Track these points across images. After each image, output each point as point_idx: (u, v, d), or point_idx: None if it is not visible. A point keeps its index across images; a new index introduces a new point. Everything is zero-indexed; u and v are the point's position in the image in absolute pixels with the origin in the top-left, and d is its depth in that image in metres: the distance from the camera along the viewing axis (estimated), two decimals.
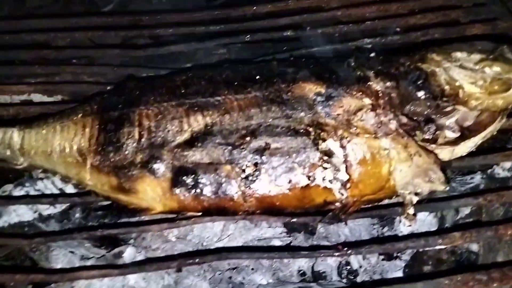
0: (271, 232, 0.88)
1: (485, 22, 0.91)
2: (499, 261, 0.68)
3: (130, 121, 0.66)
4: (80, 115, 0.70)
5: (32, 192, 0.90)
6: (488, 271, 0.53)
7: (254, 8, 1.07)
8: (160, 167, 0.62)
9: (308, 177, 0.59)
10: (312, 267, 0.87)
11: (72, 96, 1.03)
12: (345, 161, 0.59)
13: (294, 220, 0.64)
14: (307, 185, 0.59)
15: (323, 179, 0.59)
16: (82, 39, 1.08)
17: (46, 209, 0.93)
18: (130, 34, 1.05)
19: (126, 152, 0.64)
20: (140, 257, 0.85)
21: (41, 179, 0.95)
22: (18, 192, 0.93)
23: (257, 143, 0.60)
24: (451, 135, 0.68)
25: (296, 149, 0.59)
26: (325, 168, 0.59)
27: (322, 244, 0.84)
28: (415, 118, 0.64)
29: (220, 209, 0.62)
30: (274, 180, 0.60)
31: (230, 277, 0.87)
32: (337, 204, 0.61)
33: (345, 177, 0.59)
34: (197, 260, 0.62)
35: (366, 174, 0.59)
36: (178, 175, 0.62)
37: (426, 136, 0.66)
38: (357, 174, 0.59)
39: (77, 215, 0.96)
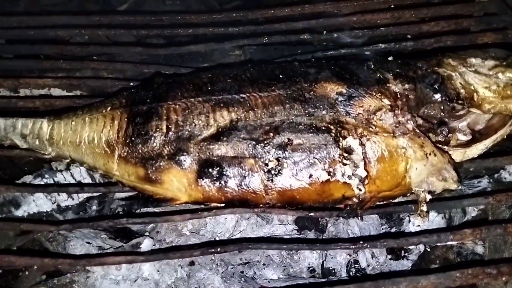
0: (282, 229, 0.91)
1: (496, 31, 0.94)
2: (507, 257, 0.71)
3: (158, 115, 0.69)
4: (109, 108, 0.73)
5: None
6: (497, 265, 0.56)
7: (272, 11, 1.10)
8: (186, 159, 0.66)
9: (328, 173, 0.62)
10: (322, 264, 0.89)
11: (91, 92, 1.07)
12: (364, 158, 0.62)
13: (311, 214, 0.67)
14: (327, 180, 0.62)
15: (343, 175, 0.62)
16: (100, 36, 1.11)
17: (64, 201, 0.96)
18: (150, 33, 1.08)
19: (154, 144, 0.67)
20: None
21: (60, 171, 0.99)
22: (38, 183, 0.96)
23: (280, 138, 0.64)
24: (462, 137, 0.71)
25: (317, 146, 0.63)
26: (345, 164, 0.62)
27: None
28: (429, 120, 0.67)
29: (243, 201, 0.65)
30: (296, 175, 0.63)
31: (242, 272, 0.89)
32: (355, 199, 0.64)
33: (363, 173, 0.62)
34: (218, 249, 0.64)
35: (384, 171, 0.62)
36: (204, 167, 0.65)
37: (439, 138, 0.69)
38: (375, 171, 0.62)
39: (94, 207, 0.99)
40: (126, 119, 0.70)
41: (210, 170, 0.64)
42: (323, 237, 0.87)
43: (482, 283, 0.70)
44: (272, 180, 0.63)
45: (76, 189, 0.77)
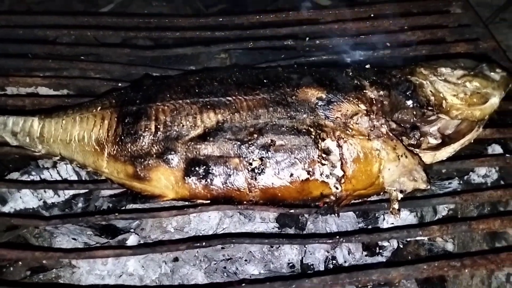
0: (264, 226, 0.94)
1: (468, 41, 1.00)
2: (471, 251, 0.77)
3: (147, 115, 0.72)
4: (99, 108, 0.76)
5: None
6: (461, 259, 0.61)
7: (257, 17, 1.14)
8: (174, 158, 0.69)
9: (308, 172, 0.66)
10: (301, 260, 0.93)
11: (79, 91, 1.09)
12: (341, 159, 0.66)
13: (292, 211, 0.71)
14: (307, 179, 0.67)
15: (321, 174, 0.66)
16: (89, 37, 1.14)
17: (51, 198, 0.98)
18: (138, 35, 1.11)
19: (143, 143, 0.71)
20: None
21: (47, 168, 1.01)
22: (25, 180, 0.98)
23: (263, 140, 0.68)
24: (433, 141, 0.77)
25: (298, 147, 0.67)
26: (323, 165, 0.66)
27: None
28: (402, 125, 0.72)
29: (227, 198, 0.69)
30: (277, 174, 0.67)
31: (225, 267, 0.92)
32: (332, 197, 0.68)
33: (340, 173, 0.66)
34: (203, 243, 0.68)
35: (359, 171, 0.67)
36: (191, 166, 0.68)
37: (412, 141, 0.74)
38: (351, 170, 0.66)
39: (80, 204, 1.01)
40: (116, 119, 0.73)
41: (197, 168, 0.68)
42: (303, 233, 0.91)
43: (448, 275, 0.75)
44: (255, 178, 0.67)
45: (65, 186, 0.80)
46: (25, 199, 0.97)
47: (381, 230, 0.75)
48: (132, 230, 0.94)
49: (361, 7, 1.15)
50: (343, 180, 0.66)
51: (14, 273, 0.91)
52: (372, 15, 1.13)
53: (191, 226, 0.94)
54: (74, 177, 1.00)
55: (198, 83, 0.75)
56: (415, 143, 0.74)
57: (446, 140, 0.76)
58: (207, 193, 0.69)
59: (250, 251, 0.93)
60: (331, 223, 0.94)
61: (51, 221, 0.73)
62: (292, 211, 0.72)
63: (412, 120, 0.76)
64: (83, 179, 1.00)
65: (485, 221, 0.66)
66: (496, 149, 0.94)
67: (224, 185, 0.68)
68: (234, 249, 0.92)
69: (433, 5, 1.14)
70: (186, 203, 0.74)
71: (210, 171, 0.68)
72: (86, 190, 0.95)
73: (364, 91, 0.70)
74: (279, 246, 0.92)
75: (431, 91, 0.70)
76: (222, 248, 0.92)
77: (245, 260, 0.92)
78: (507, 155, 0.78)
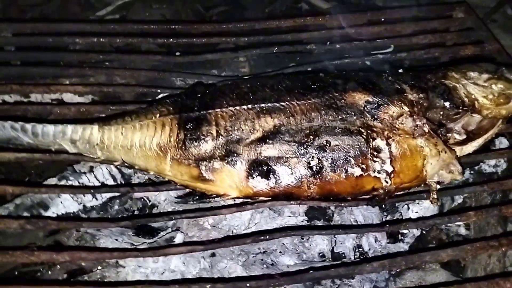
0: (294, 220, 1.01)
1: (474, 44, 1.10)
2: (487, 235, 0.86)
3: (208, 121, 0.78)
4: (158, 115, 0.81)
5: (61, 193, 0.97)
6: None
7: (276, 22, 1.21)
8: (237, 160, 0.75)
9: (362, 169, 0.74)
10: (332, 249, 1.00)
11: (103, 98, 1.13)
12: (390, 156, 0.74)
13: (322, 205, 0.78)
14: (361, 175, 0.75)
15: (373, 170, 0.74)
16: (118, 44, 1.18)
17: (89, 201, 1.02)
18: (166, 41, 1.16)
19: (206, 147, 0.77)
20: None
21: (84, 173, 1.05)
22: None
23: (319, 141, 0.75)
24: (458, 137, 0.86)
25: (351, 146, 0.75)
26: (375, 162, 0.74)
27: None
28: (436, 123, 0.81)
29: (287, 195, 0.76)
30: (334, 171, 0.74)
31: (262, 259, 0.98)
32: (381, 190, 0.76)
33: (390, 168, 0.74)
34: (267, 236, 0.75)
35: (406, 166, 0.75)
36: (253, 167, 0.75)
37: (440, 137, 0.83)
38: (399, 166, 0.75)
39: (116, 207, 1.06)
40: (177, 125, 0.79)
41: (259, 168, 0.75)
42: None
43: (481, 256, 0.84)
44: (314, 176, 0.75)
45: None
46: (65, 204, 1.00)
47: (422, 219, 0.83)
48: (169, 229, 1.00)
49: (373, 12, 1.23)
50: (392, 175, 0.75)
51: (52, 276, 0.95)
52: (383, 19, 1.22)
53: (224, 222, 1.00)
54: (111, 181, 1.05)
55: (251, 90, 0.81)
56: (443, 139, 0.83)
57: (470, 136, 0.85)
58: (269, 191, 0.75)
59: (283, 244, 0.99)
60: (357, 214, 1.02)
61: (122, 223, 0.78)
62: (322, 205, 0.79)
63: (438, 118, 0.84)
64: (119, 182, 1.05)
65: None
66: (503, 141, 1.05)
67: (285, 183, 0.75)
68: (269, 242, 0.98)
69: (437, 10, 1.24)
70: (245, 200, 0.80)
71: (272, 170, 0.75)
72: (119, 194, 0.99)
73: (405, 94, 0.79)
74: (309, 238, 0.99)
75: (464, 93, 0.79)
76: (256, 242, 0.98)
77: (280, 252, 0.98)
78: None
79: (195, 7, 1.80)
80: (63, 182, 1.02)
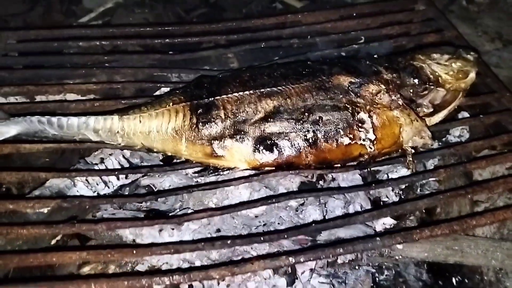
0: (287, 195, 1.14)
1: (436, 32, 1.27)
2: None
3: (216, 106, 0.91)
4: (171, 104, 0.93)
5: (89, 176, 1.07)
6: (465, 189, 0.86)
7: (261, 20, 1.34)
8: (244, 137, 0.88)
9: (349, 138, 0.89)
10: (324, 218, 1.13)
11: (104, 95, 1.23)
12: (372, 126, 0.89)
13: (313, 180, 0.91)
14: (349, 143, 0.89)
15: (359, 139, 0.89)
16: (118, 46, 1.28)
17: (102, 189, 1.12)
18: (163, 42, 1.27)
19: (217, 128, 0.89)
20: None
21: (96, 164, 1.15)
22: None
23: (313, 117, 0.89)
24: (426, 110, 1.01)
25: (340, 120, 0.89)
26: (360, 131, 0.89)
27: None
28: (408, 99, 0.96)
29: (289, 164, 0.89)
30: (327, 141, 0.89)
31: (263, 231, 1.10)
32: (366, 156, 0.91)
33: (373, 136, 0.89)
34: (274, 200, 0.88)
35: (386, 134, 0.90)
36: (259, 142, 0.88)
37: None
38: (380, 134, 0.90)
39: (126, 193, 1.16)
40: (189, 111, 0.91)
41: (264, 143, 0.88)
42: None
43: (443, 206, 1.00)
44: (310, 146, 0.88)
45: (147, 170, 0.95)
46: (82, 192, 1.09)
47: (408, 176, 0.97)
48: (177, 210, 1.11)
49: (345, 8, 1.39)
50: (375, 142, 0.89)
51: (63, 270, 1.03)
52: (355, 14, 1.37)
53: (226, 202, 1.12)
54: None
55: (251, 78, 0.94)
56: (415, 112, 0.98)
57: (436, 108, 1.01)
58: (274, 162, 0.89)
59: (280, 216, 1.12)
60: (343, 185, 1.16)
61: (146, 197, 0.89)
62: (318, 172, 0.92)
63: (409, 96, 1.00)
64: None
65: (475, 163, 0.92)
66: (465, 114, 1.21)
67: (286, 154, 0.88)
68: (267, 216, 1.10)
69: (402, 4, 1.41)
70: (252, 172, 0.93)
71: (275, 144, 0.88)
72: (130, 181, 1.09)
73: (381, 74, 0.94)
74: (303, 210, 1.13)
75: (429, 71, 0.95)
76: (256, 216, 1.11)
77: (278, 224, 1.10)
78: (480, 116, 1.04)
79: (175, 10, 1.89)
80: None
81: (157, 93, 1.18)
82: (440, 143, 1.22)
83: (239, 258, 0.96)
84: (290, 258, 0.76)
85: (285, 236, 0.82)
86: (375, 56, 1.01)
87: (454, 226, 0.79)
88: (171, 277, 0.72)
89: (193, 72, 1.19)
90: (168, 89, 1.16)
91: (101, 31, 1.28)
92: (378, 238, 0.78)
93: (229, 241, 0.79)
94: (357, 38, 1.30)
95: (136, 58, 1.25)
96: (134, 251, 0.75)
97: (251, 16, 1.53)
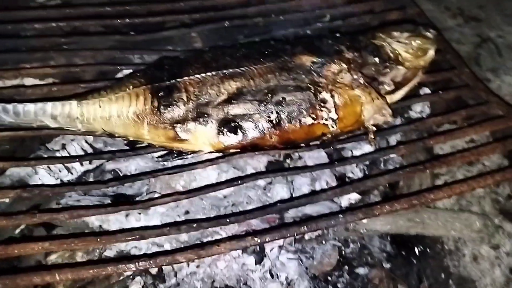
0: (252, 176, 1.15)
1: (398, 9, 1.28)
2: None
3: (178, 88, 0.89)
4: (131, 87, 0.91)
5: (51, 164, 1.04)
6: (423, 164, 0.89)
7: None
8: (208, 120, 0.88)
9: (312, 118, 0.89)
10: (291, 196, 1.15)
11: (62, 79, 1.19)
12: (335, 106, 0.90)
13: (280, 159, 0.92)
14: (312, 123, 0.90)
15: (322, 118, 0.90)
16: (77, 28, 1.24)
17: (65, 176, 1.10)
18: (122, 22, 1.23)
19: (179, 111, 0.88)
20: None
21: (57, 150, 1.12)
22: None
23: (276, 98, 0.89)
24: (388, 88, 1.03)
25: (303, 100, 0.89)
26: (322, 111, 0.89)
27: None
28: (370, 78, 0.98)
29: (254, 146, 0.89)
30: (290, 122, 0.89)
31: (232, 211, 1.11)
32: (329, 135, 0.92)
33: (335, 116, 0.90)
34: (239, 182, 0.88)
35: (348, 113, 0.91)
36: (222, 124, 0.88)
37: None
38: (342, 113, 0.91)
39: (91, 179, 1.14)
40: (150, 94, 0.89)
41: (228, 126, 0.88)
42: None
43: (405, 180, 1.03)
44: (274, 127, 0.89)
45: (109, 155, 0.93)
46: (44, 180, 1.07)
47: (361, 156, 1.00)
48: (144, 194, 1.10)
49: None
50: (337, 121, 0.90)
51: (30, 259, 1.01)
52: None
53: (194, 183, 1.12)
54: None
55: (213, 58, 0.93)
56: (377, 90, 1.00)
57: (397, 86, 1.02)
58: (238, 144, 0.89)
59: (249, 195, 1.13)
60: (309, 163, 1.18)
61: (110, 183, 0.88)
62: (282, 152, 0.93)
63: (371, 74, 1.01)
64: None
65: (435, 138, 0.95)
66: (426, 90, 1.24)
67: (251, 136, 0.88)
68: (235, 196, 1.10)
69: None
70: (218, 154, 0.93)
71: (239, 126, 0.88)
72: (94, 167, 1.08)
73: (343, 53, 0.94)
74: (271, 188, 1.14)
75: (389, 50, 0.96)
76: (224, 197, 1.12)
77: (246, 203, 1.11)
78: (440, 92, 1.06)
79: None
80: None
81: (119, 75, 1.15)
82: (402, 119, 1.25)
83: (208, 239, 0.98)
84: (256, 239, 0.77)
85: (251, 217, 0.83)
86: (337, 35, 1.01)
87: (413, 200, 0.82)
88: (137, 263, 0.72)
89: (156, 53, 1.17)
90: (129, 71, 1.13)
91: (59, 12, 1.22)
92: (340, 215, 0.80)
93: (195, 225, 0.80)
94: (322, 16, 1.30)
95: (95, 40, 1.21)
96: (99, 239, 0.74)
97: None
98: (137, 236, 0.75)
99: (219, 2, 1.31)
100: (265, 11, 1.29)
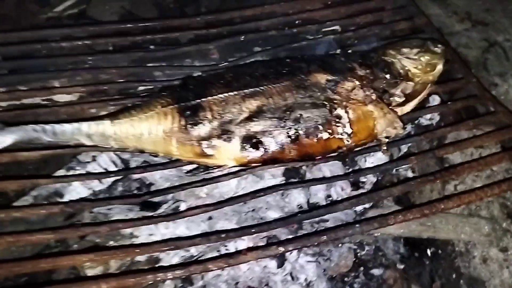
0: (274, 181, 1.21)
1: (406, 20, 1.33)
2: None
3: (203, 108, 0.96)
4: (159, 107, 0.98)
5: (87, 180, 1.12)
6: (434, 175, 0.95)
7: (239, 12, 1.38)
8: (231, 136, 0.95)
9: (328, 133, 0.96)
10: (308, 201, 1.22)
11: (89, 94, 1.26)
12: (349, 121, 0.96)
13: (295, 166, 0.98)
14: (328, 138, 0.96)
15: (337, 133, 0.96)
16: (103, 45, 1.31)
17: (97, 186, 1.18)
18: (145, 38, 1.30)
19: (205, 129, 0.95)
20: None
21: (88, 162, 1.20)
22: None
23: (294, 115, 0.95)
24: (398, 99, 1.08)
25: (319, 116, 0.96)
26: (337, 126, 0.96)
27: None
28: (381, 91, 1.04)
29: (274, 160, 0.96)
30: (307, 137, 0.96)
31: (252, 216, 1.18)
32: (344, 148, 0.98)
33: (349, 130, 0.96)
34: (262, 194, 0.95)
35: (361, 127, 0.97)
36: (245, 141, 0.94)
37: (385, 101, 1.06)
38: (356, 128, 0.97)
39: (120, 188, 1.21)
40: (177, 113, 0.96)
41: (250, 142, 0.94)
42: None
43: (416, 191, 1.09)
44: (292, 142, 0.95)
45: (141, 170, 1.00)
46: (78, 190, 1.15)
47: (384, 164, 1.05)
48: (170, 201, 1.17)
49: None
50: (352, 135, 0.97)
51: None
52: (330, 3, 1.42)
53: (216, 190, 1.18)
54: (113, 166, 1.20)
55: (234, 78, 1.00)
56: (388, 102, 1.06)
57: (408, 98, 1.08)
58: (260, 158, 0.96)
59: (267, 201, 1.20)
60: (324, 170, 1.24)
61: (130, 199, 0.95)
62: (299, 165, 0.99)
63: (382, 86, 1.07)
64: (119, 167, 1.20)
65: (444, 149, 1.01)
66: (436, 98, 1.29)
67: (271, 151, 0.95)
68: (255, 202, 1.16)
69: None
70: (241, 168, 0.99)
71: (260, 142, 0.95)
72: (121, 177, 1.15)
73: (356, 70, 1.01)
74: (288, 194, 1.20)
75: (399, 66, 1.02)
76: (245, 203, 1.18)
77: (266, 208, 1.17)
78: (448, 102, 1.12)
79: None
80: (71, 172, 1.17)
81: (142, 90, 1.21)
82: (412, 126, 1.31)
83: (231, 243, 1.05)
84: (280, 248, 0.84)
85: (274, 227, 0.90)
86: (349, 51, 1.07)
87: (424, 210, 0.88)
88: (173, 272, 0.79)
89: (176, 69, 1.24)
90: (152, 86, 1.21)
91: (81, 30, 1.30)
92: (357, 225, 0.87)
93: (223, 235, 0.87)
94: (333, 28, 1.35)
95: (119, 57, 1.28)
96: (137, 250, 0.82)
97: (231, 8, 1.54)
98: (172, 247, 0.83)
99: (234, 16, 1.37)
100: (277, 24, 1.34)
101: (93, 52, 1.28)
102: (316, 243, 0.88)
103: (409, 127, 1.31)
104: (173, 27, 1.35)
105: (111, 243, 1.06)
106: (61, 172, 1.18)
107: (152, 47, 1.37)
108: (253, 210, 1.18)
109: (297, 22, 1.36)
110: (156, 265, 1.03)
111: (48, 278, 0.99)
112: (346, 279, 1.14)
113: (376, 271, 1.13)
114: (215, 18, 1.38)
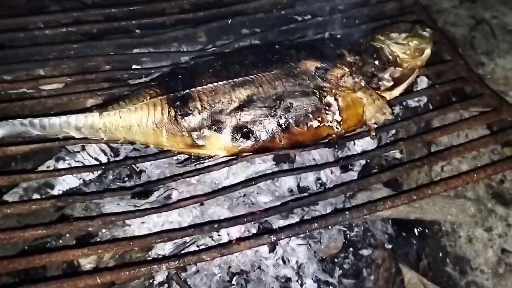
0: (264, 166, 1.21)
1: (394, 0, 1.32)
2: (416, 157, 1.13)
3: (192, 98, 0.96)
4: (148, 97, 0.97)
5: (74, 164, 1.12)
6: (421, 159, 0.97)
7: None
8: (222, 126, 0.95)
9: (318, 121, 0.96)
10: (298, 185, 1.24)
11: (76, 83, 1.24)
12: (339, 108, 0.97)
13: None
14: (318, 126, 0.97)
15: (327, 121, 0.97)
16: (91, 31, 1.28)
17: (87, 176, 1.17)
18: (129, 23, 1.27)
19: (195, 120, 0.95)
20: (182, 196, 1.15)
21: (78, 152, 1.19)
22: (62, 165, 1.15)
23: (284, 103, 0.96)
24: (387, 84, 1.09)
25: (309, 104, 0.96)
26: (327, 114, 0.96)
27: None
28: (370, 75, 1.04)
29: (265, 149, 0.97)
30: (298, 125, 0.96)
31: (243, 201, 1.19)
32: (334, 135, 0.99)
33: (339, 118, 0.97)
34: (253, 182, 0.96)
35: (351, 114, 0.98)
36: (236, 130, 0.95)
37: (374, 86, 1.06)
38: (346, 115, 0.98)
39: (110, 177, 1.21)
40: (166, 104, 0.96)
41: (240, 131, 0.95)
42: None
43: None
44: (283, 131, 0.96)
45: (132, 161, 1.00)
46: (68, 181, 1.14)
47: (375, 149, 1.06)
48: (161, 188, 1.18)
49: None
50: (341, 122, 0.98)
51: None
52: None
53: (208, 176, 1.19)
54: (102, 156, 1.19)
55: (223, 67, 0.99)
56: (376, 87, 1.06)
57: (396, 82, 1.09)
58: (251, 147, 0.96)
59: (258, 186, 1.20)
60: (314, 154, 1.25)
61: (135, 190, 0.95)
62: (290, 152, 1.00)
63: (371, 71, 1.07)
64: (109, 155, 1.20)
65: (431, 133, 1.02)
66: (424, 80, 1.30)
67: (262, 140, 0.96)
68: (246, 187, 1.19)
69: None
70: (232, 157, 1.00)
71: (251, 131, 0.95)
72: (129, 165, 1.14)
73: (345, 57, 1.00)
74: (279, 178, 1.22)
75: (388, 52, 1.02)
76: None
77: (257, 193, 1.17)
78: (436, 85, 1.13)
79: None
80: (60, 163, 1.16)
81: (130, 76, 1.20)
82: (400, 107, 1.32)
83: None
84: (272, 237, 0.86)
85: (266, 215, 0.91)
86: (338, 37, 1.07)
87: (412, 196, 0.90)
88: (168, 263, 0.81)
89: (164, 55, 1.22)
90: (141, 73, 1.19)
91: (66, 16, 1.26)
92: (347, 212, 0.89)
93: (216, 225, 0.88)
94: (322, 9, 1.34)
95: (105, 43, 1.26)
96: (131, 243, 0.83)
97: None
98: (165, 238, 0.84)
99: None
100: (265, 6, 1.32)
101: (78, 40, 1.25)
102: (307, 231, 0.90)
103: (397, 109, 1.32)
104: (160, 11, 1.32)
105: (104, 231, 1.08)
106: (50, 163, 1.17)
107: (138, 31, 1.36)
108: (244, 195, 1.19)
109: (283, 4, 1.34)
110: (150, 252, 1.05)
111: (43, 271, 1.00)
112: (336, 260, 1.16)
113: (365, 252, 1.16)
114: (202, 1, 1.35)
